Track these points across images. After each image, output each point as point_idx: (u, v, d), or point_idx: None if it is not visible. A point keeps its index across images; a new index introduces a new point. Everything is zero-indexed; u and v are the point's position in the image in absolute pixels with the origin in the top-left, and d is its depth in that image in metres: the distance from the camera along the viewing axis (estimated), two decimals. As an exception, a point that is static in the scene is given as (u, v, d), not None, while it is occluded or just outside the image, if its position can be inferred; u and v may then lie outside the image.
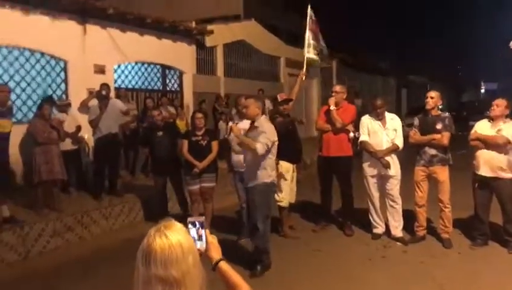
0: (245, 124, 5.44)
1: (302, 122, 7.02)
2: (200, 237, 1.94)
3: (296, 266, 5.41)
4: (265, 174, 5.04)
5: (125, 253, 5.88)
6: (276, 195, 6.13)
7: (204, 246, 1.94)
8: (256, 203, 5.02)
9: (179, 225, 1.73)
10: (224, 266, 1.96)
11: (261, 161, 4.98)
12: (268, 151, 4.93)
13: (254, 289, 1.95)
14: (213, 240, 1.99)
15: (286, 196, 6.25)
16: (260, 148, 4.80)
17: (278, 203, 6.24)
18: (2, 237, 5.78)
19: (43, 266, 5.76)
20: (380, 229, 6.23)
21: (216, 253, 1.97)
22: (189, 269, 1.65)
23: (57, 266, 5.75)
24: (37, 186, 6.66)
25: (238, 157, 5.93)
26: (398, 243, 5.98)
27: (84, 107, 8.39)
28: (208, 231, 1.98)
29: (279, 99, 6.31)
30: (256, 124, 5.02)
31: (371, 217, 6.27)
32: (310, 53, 7.09)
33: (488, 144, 5.47)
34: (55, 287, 5.15)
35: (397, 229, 6.08)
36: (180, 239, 1.67)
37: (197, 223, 1.96)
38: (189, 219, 1.97)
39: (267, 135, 4.92)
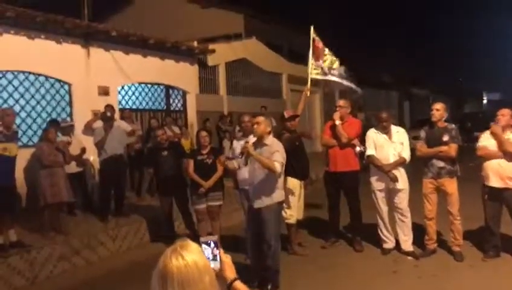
0: (250, 141, 5.42)
1: (311, 137, 6.98)
2: (214, 257, 1.93)
3: (306, 283, 5.35)
4: (279, 194, 5.06)
5: (134, 275, 5.89)
6: (283, 212, 6.09)
7: (218, 265, 1.92)
8: (270, 222, 4.99)
9: (194, 245, 1.72)
10: (238, 285, 1.94)
11: (275, 180, 4.97)
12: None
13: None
14: (227, 259, 1.98)
15: (294, 213, 6.21)
16: (279, 167, 4.82)
17: (286, 221, 6.19)
18: (9, 262, 5.74)
19: (50, 291, 5.72)
20: (390, 243, 6.16)
21: (230, 272, 1.96)
22: (206, 289, 1.63)
23: (64, 291, 5.71)
24: (44, 209, 6.65)
25: (244, 175, 5.90)
26: (409, 257, 5.90)
27: (89, 129, 8.41)
28: (221, 250, 1.96)
29: (286, 116, 6.31)
30: (266, 142, 5.00)
31: (380, 232, 6.20)
32: (312, 74, 7.09)
33: (503, 145, 5.38)
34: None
35: (407, 243, 6.01)
36: (196, 259, 1.66)
37: (211, 242, 1.94)
38: (203, 239, 1.96)
39: (281, 153, 4.91)
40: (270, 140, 5.05)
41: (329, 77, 7.25)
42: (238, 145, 6.00)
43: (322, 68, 7.18)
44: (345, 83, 7.38)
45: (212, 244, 1.93)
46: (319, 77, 7.20)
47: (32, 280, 5.89)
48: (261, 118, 5.06)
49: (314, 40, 7.11)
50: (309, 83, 6.98)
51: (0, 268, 5.63)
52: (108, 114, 7.84)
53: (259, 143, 5.02)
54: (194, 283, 1.60)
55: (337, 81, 7.34)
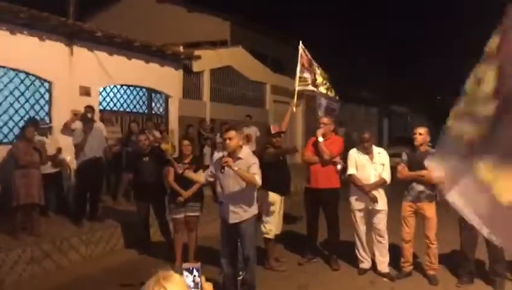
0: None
1: (296, 150, 6.99)
2: (196, 285, 1.90)
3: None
4: (255, 207, 5.07)
5: (108, 282, 5.76)
6: (262, 226, 6.07)
7: None
8: (248, 236, 4.99)
9: (177, 277, 1.70)
10: None
11: (252, 193, 4.98)
12: None
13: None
14: (209, 287, 1.94)
15: (273, 227, 6.18)
16: (259, 180, 4.84)
17: (265, 235, 6.16)
18: (-24, 264, 5.57)
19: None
20: (366, 263, 6.16)
21: None
22: None
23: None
24: (16, 210, 6.46)
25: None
26: (384, 278, 5.91)
27: (67, 130, 8.20)
28: (203, 278, 1.93)
29: (273, 132, 6.28)
30: (240, 155, 4.97)
31: (357, 252, 6.20)
32: (300, 86, 7.08)
33: None
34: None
35: (384, 265, 6.02)
36: None
37: (193, 270, 1.91)
38: (185, 265, 1.94)
39: (257, 165, 4.92)
40: (244, 153, 5.03)
41: (314, 89, 7.21)
42: (218, 156, 5.93)
43: (308, 80, 7.17)
44: (324, 102, 7.33)
45: (194, 272, 1.91)
46: (305, 87, 7.17)
47: None
48: (232, 133, 5.00)
49: (302, 56, 7.12)
50: (295, 98, 6.96)
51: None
52: (89, 115, 7.69)
53: (233, 157, 4.94)
54: None
55: (319, 96, 7.32)
